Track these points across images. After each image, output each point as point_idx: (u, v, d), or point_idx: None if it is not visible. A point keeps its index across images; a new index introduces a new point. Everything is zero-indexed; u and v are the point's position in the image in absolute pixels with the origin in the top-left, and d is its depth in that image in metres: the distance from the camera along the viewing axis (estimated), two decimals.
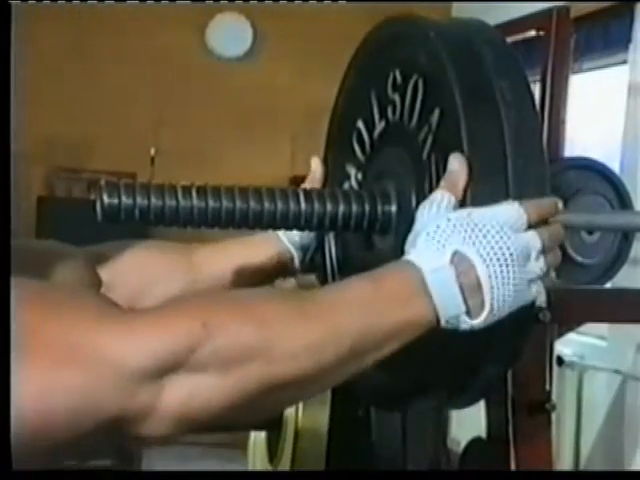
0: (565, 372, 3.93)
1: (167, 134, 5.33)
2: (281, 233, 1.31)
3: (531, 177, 1.01)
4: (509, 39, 2.48)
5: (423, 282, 0.93)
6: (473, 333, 0.95)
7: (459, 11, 5.22)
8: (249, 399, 0.86)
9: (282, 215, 1.10)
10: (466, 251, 0.94)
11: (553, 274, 1.01)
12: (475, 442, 1.64)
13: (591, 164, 2.56)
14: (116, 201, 1.06)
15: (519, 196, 1.00)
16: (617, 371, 3.76)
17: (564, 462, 3.81)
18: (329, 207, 1.12)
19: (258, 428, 1.66)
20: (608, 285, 2.50)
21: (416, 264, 0.94)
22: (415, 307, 0.93)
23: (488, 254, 0.93)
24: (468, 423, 1.56)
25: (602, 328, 3.85)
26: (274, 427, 1.59)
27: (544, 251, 0.97)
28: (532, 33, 2.77)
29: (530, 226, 0.97)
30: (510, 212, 0.96)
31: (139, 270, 1.25)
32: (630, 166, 3.73)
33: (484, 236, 0.94)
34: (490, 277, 0.93)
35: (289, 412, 1.55)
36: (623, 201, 2.48)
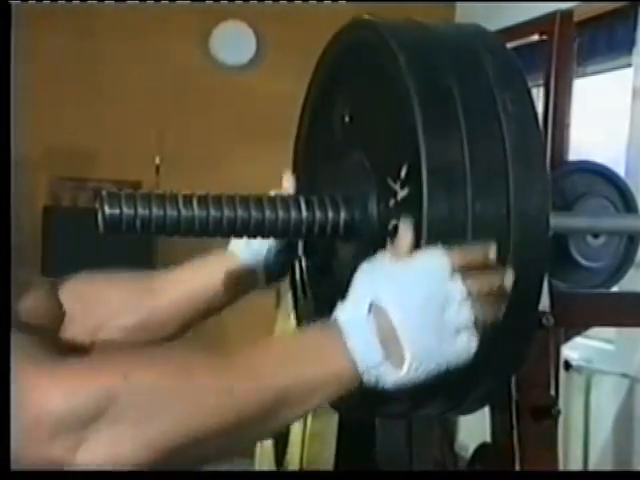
0: (572, 376, 3.91)
1: (172, 142, 5.33)
2: (243, 247, 1.30)
3: (532, 191, 1.00)
4: (512, 43, 2.49)
5: (341, 336, 0.93)
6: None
7: (463, 10, 5.23)
8: (172, 448, 0.88)
9: (284, 223, 1.10)
10: (381, 300, 0.93)
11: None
12: (483, 447, 1.63)
13: (596, 167, 2.55)
14: (117, 211, 1.06)
15: (520, 210, 0.99)
16: (625, 375, 3.75)
17: (573, 467, 3.79)
18: (330, 214, 1.12)
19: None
20: (614, 289, 2.49)
21: (338, 319, 0.95)
22: (333, 361, 0.93)
23: (403, 301, 0.92)
24: (476, 428, 1.56)
25: (609, 331, 3.83)
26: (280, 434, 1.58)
27: (471, 300, 0.93)
28: (535, 37, 2.76)
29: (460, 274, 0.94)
30: (431, 260, 0.94)
31: (101, 302, 1.26)
32: (635, 169, 3.72)
33: (400, 284, 0.93)
34: (405, 321, 0.92)
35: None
36: (628, 204, 2.47)
